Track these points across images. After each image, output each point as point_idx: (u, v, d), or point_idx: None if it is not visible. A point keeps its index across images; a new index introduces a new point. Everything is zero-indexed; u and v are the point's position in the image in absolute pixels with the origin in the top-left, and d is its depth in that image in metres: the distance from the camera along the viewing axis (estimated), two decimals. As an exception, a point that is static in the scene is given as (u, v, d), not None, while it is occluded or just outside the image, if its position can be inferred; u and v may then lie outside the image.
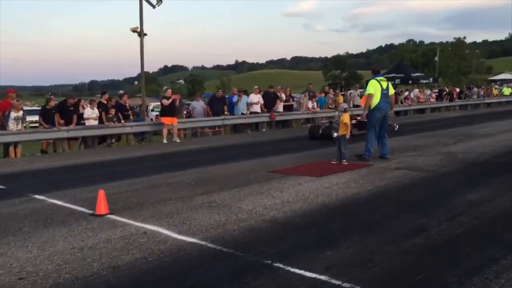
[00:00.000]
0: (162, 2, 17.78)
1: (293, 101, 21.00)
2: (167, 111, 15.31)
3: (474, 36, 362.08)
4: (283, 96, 19.80)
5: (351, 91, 25.19)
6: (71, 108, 14.02)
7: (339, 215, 5.77)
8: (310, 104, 20.30)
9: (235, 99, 18.56)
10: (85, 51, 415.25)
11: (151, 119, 22.24)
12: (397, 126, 17.68)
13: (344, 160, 9.36)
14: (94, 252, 4.53)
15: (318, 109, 20.76)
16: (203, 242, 4.73)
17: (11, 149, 12.36)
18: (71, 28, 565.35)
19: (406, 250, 4.41)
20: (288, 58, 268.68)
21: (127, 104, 16.06)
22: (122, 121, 14.84)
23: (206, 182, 7.91)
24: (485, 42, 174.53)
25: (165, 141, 14.98)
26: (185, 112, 19.63)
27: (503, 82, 63.48)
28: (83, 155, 12.48)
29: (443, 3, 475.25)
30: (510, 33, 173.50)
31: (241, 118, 18.24)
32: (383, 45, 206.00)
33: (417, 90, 28.52)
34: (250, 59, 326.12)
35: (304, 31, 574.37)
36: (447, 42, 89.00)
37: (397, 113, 25.65)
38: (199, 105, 18.43)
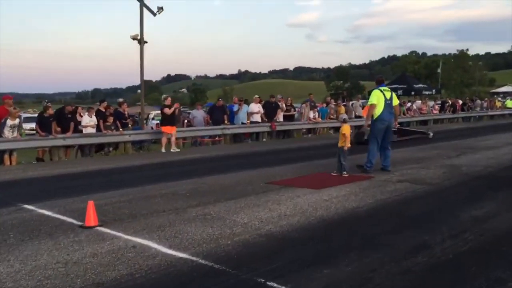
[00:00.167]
0: (163, 9, 17.70)
1: (294, 110, 20.82)
2: (167, 120, 15.15)
3: (476, 48, 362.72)
4: (284, 105, 19.65)
5: (353, 101, 24.98)
6: (69, 116, 13.85)
7: (338, 230, 5.53)
8: (311, 114, 20.11)
9: (235, 108, 18.39)
10: (89, 59, 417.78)
11: (152, 128, 22.09)
12: (432, 134, 17.59)
13: (345, 172, 9.12)
14: (79, 267, 4.30)
15: (320, 119, 20.59)
16: (194, 258, 4.50)
17: (6, 156, 12.17)
18: (75, 36, 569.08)
19: (408, 269, 4.17)
20: (291, 68, 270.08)
21: (126, 112, 15.88)
22: (120, 129, 14.66)
23: (201, 193, 7.69)
24: (487, 54, 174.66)
25: (163, 150, 14.79)
26: (186, 121, 19.50)
27: (506, 94, 63.43)
28: (79, 164, 12.26)
29: (445, 15, 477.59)
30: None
31: (241, 128, 18.03)
32: (386, 56, 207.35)
33: (420, 101, 28.30)
34: (253, 69, 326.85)
35: (307, 41, 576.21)
36: (449, 54, 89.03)
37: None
38: (199, 114, 18.31)
